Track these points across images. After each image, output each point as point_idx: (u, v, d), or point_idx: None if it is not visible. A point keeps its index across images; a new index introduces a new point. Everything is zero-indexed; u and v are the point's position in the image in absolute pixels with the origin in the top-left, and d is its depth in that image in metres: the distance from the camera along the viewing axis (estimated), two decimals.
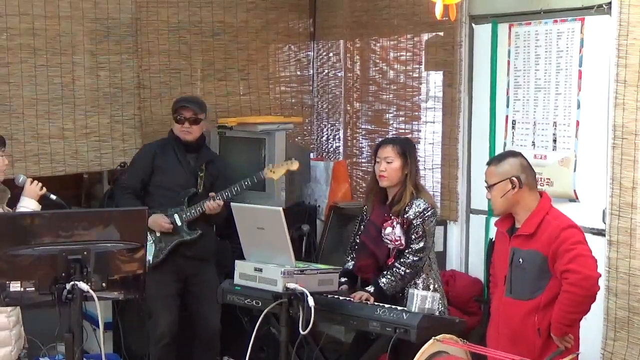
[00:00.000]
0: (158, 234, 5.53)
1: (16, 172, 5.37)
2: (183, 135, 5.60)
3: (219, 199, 5.48)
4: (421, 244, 4.76)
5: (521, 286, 4.12)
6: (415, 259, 4.75)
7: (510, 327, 4.15)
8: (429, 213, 4.80)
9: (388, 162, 4.81)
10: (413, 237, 4.76)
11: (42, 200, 4.83)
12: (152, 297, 5.39)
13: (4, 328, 4.59)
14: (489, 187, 4.20)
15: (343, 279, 4.82)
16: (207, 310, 5.58)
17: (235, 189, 5.52)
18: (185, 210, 5.54)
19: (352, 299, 4.63)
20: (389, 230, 4.82)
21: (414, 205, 4.79)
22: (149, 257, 5.40)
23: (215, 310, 5.57)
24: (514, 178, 4.13)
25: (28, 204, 4.75)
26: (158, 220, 5.48)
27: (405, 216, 4.78)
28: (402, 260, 4.75)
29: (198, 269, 5.61)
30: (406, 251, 4.76)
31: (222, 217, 5.54)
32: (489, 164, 4.29)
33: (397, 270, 4.74)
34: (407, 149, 4.87)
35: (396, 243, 4.80)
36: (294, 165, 5.64)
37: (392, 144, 4.88)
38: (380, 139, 6.34)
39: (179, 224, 5.54)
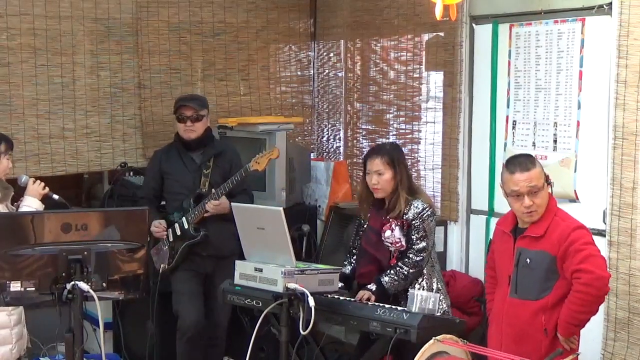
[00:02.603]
0: (171, 239, 5.55)
1: (17, 172, 5.36)
2: (187, 134, 5.58)
3: (215, 198, 5.47)
4: (423, 244, 4.77)
5: (528, 286, 4.10)
6: (418, 258, 4.75)
7: (515, 327, 4.13)
8: (428, 212, 4.80)
9: (379, 174, 4.81)
10: (414, 237, 4.77)
11: (45, 200, 4.83)
12: (176, 293, 5.51)
13: (5, 326, 4.58)
14: (540, 189, 4.05)
15: (340, 284, 4.80)
16: (214, 308, 5.57)
17: (228, 185, 5.50)
18: (191, 212, 5.54)
19: (352, 299, 4.64)
20: (388, 233, 4.81)
21: (412, 207, 4.79)
22: (165, 262, 5.54)
23: (223, 308, 5.53)
24: (548, 176, 4.13)
25: (31, 203, 4.75)
26: (152, 227, 5.47)
27: (404, 218, 4.79)
28: (405, 260, 4.76)
29: (215, 267, 5.58)
30: (409, 251, 4.77)
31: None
32: (526, 169, 4.05)
33: (401, 270, 4.74)
34: (394, 157, 4.85)
35: (397, 245, 4.80)
36: (275, 154, 5.57)
37: (379, 155, 4.84)
38: (380, 140, 6.40)
39: (186, 226, 5.53)
